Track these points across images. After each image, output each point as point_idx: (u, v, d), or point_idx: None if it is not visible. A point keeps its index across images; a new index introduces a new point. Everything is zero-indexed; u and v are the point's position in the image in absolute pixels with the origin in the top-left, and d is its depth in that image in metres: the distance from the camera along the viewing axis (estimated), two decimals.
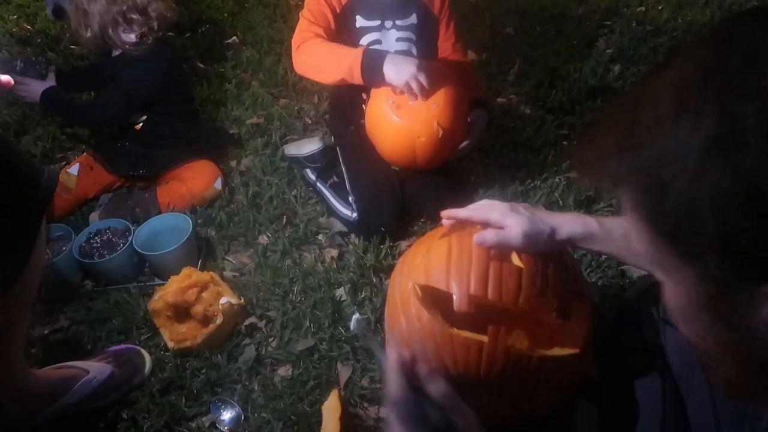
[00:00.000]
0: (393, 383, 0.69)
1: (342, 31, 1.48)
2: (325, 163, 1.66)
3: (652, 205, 0.43)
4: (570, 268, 0.95)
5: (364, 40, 1.46)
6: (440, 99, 1.35)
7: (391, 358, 0.71)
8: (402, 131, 1.39)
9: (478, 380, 0.87)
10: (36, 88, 1.63)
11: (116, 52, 1.68)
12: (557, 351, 0.88)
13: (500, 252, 0.89)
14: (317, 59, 1.42)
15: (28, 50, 1.72)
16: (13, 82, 0.56)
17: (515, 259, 0.89)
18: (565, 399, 0.95)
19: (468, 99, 1.44)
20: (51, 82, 1.66)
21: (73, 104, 1.74)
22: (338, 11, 1.46)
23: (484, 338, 0.85)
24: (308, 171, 1.68)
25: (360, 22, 1.44)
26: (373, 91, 1.42)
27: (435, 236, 0.99)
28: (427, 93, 1.33)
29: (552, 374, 0.90)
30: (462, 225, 0.97)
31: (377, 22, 1.45)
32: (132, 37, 1.62)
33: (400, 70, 1.31)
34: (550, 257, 0.92)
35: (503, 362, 0.85)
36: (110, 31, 1.60)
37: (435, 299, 0.89)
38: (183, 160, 1.71)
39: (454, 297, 0.87)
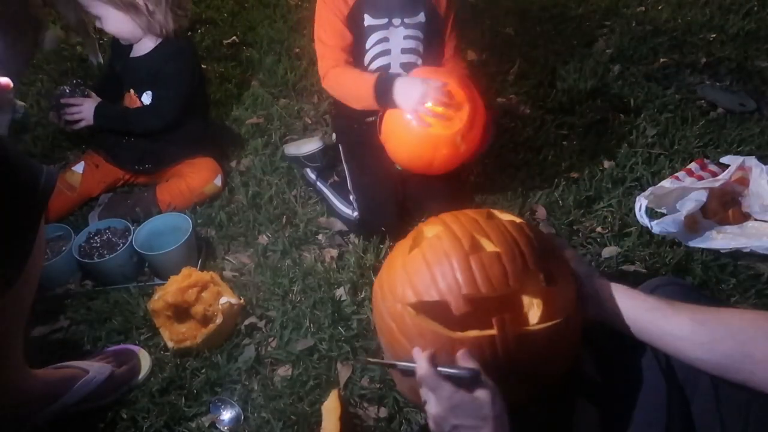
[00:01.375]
0: (448, 390, 0.77)
1: (352, 32, 1.47)
2: (325, 163, 1.66)
3: None
4: (536, 232, 0.96)
5: (372, 39, 1.46)
6: (464, 114, 1.33)
7: (427, 369, 0.78)
8: (423, 143, 1.36)
9: (497, 371, 0.86)
10: (88, 107, 1.62)
11: (141, 52, 1.64)
12: (556, 318, 0.88)
13: (472, 242, 0.89)
14: (343, 92, 1.49)
15: (72, 81, 1.67)
16: (12, 84, 0.56)
17: (488, 245, 0.90)
18: (572, 363, 0.96)
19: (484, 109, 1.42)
20: (95, 98, 1.65)
21: (128, 114, 1.67)
22: (347, 13, 1.45)
23: (493, 331, 0.85)
24: (308, 170, 1.68)
25: (368, 20, 1.44)
26: None
27: (402, 252, 0.97)
28: (446, 108, 1.32)
29: (557, 341, 0.90)
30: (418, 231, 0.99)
31: (384, 20, 1.45)
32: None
33: (408, 99, 1.32)
34: (516, 230, 0.93)
35: (516, 346, 0.86)
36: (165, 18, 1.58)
37: (429, 312, 0.88)
38: (187, 156, 1.71)
39: (450, 303, 0.86)
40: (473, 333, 0.85)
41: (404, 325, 0.89)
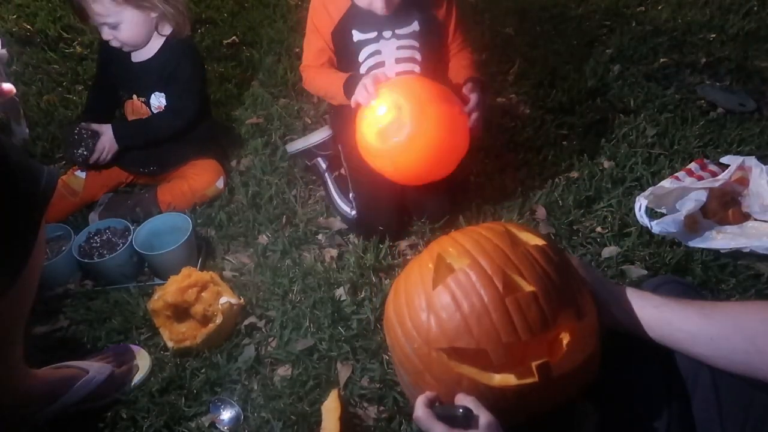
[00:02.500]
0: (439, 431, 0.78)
1: (341, 48, 1.48)
2: (335, 151, 1.67)
3: None
4: (558, 254, 0.92)
5: (364, 53, 1.46)
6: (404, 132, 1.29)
7: (422, 412, 0.81)
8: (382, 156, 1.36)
9: (530, 408, 0.86)
10: (108, 138, 1.59)
11: (145, 55, 1.62)
12: (588, 350, 0.86)
13: (505, 282, 0.84)
14: (319, 91, 1.58)
15: (70, 129, 1.60)
16: (14, 90, 0.55)
17: (522, 283, 0.84)
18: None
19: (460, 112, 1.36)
20: (104, 127, 1.61)
21: (148, 124, 1.64)
22: (332, 29, 1.45)
23: (534, 379, 0.81)
24: (320, 159, 1.68)
25: (357, 36, 1.44)
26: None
27: (423, 283, 0.89)
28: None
29: (587, 371, 0.89)
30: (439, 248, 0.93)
31: (374, 34, 1.44)
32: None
33: (355, 93, 1.36)
34: (543, 258, 0.88)
35: (560, 387, 0.84)
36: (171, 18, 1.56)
37: (462, 357, 0.84)
38: (191, 158, 1.70)
39: (489, 352, 0.82)
40: (513, 381, 0.82)
41: (433, 368, 0.85)
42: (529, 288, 0.84)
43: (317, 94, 1.58)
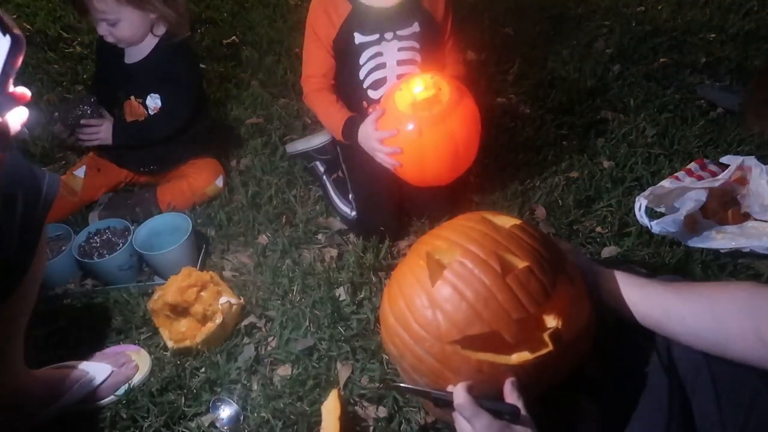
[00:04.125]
0: (486, 420, 0.78)
1: (342, 52, 1.47)
2: (334, 155, 1.67)
3: None
4: (535, 229, 0.96)
5: (365, 55, 1.45)
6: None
7: (465, 399, 0.79)
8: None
9: (543, 382, 0.87)
10: (107, 128, 1.60)
11: (138, 56, 1.60)
12: (586, 314, 0.89)
13: (500, 262, 0.86)
14: (317, 116, 1.58)
15: (78, 96, 1.61)
16: (29, 95, 0.54)
17: (517, 262, 0.87)
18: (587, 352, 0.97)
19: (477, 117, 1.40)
20: (110, 118, 1.63)
21: (144, 126, 1.63)
22: (335, 36, 1.44)
23: (548, 348, 0.84)
24: (318, 163, 1.68)
25: (358, 38, 1.43)
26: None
27: (420, 282, 0.90)
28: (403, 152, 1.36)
29: (588, 337, 0.91)
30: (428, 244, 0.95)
31: (376, 36, 1.43)
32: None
33: (367, 148, 1.42)
34: (526, 235, 0.92)
35: (570, 353, 0.87)
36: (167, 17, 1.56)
37: (476, 344, 0.84)
38: (191, 157, 1.71)
39: (503, 331, 0.83)
40: (530, 356, 0.84)
41: (451, 361, 0.85)
42: (523, 264, 0.86)
43: (318, 117, 1.58)
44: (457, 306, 0.84)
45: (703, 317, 0.81)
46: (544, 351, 0.83)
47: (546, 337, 0.84)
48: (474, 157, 1.42)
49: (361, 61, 1.46)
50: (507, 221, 0.96)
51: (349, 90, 1.51)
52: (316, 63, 1.50)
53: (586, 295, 0.92)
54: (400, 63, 1.46)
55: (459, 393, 0.81)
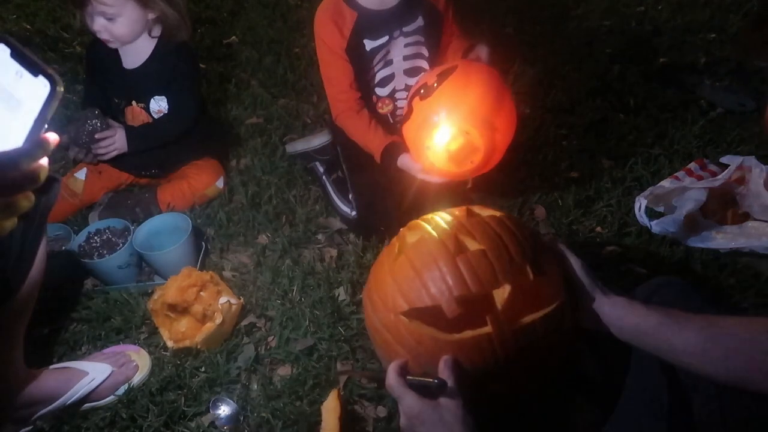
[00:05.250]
0: (409, 399, 0.79)
1: (356, 61, 1.45)
2: (334, 156, 1.67)
3: None
4: (517, 224, 0.97)
5: (377, 59, 1.45)
6: (478, 158, 1.30)
7: (393, 379, 0.81)
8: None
9: (497, 368, 0.87)
10: (121, 136, 1.57)
11: (139, 60, 1.59)
12: (548, 306, 0.89)
13: (456, 243, 0.90)
14: (352, 136, 1.52)
15: (83, 114, 1.55)
16: (59, 139, 0.51)
17: (472, 244, 0.90)
18: (570, 350, 0.97)
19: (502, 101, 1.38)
20: (119, 125, 1.60)
21: (155, 126, 1.63)
22: (345, 46, 1.43)
23: (488, 329, 0.85)
24: (317, 164, 1.68)
25: (369, 45, 1.43)
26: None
27: (388, 261, 0.97)
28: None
29: (552, 329, 0.90)
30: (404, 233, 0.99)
31: (385, 39, 1.43)
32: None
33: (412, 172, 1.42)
34: (498, 224, 0.94)
35: (513, 340, 0.86)
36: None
37: (423, 318, 0.88)
38: (192, 158, 1.70)
39: (443, 306, 0.86)
40: (469, 333, 0.86)
41: (400, 334, 0.89)
42: (477, 246, 0.90)
43: (350, 136, 1.53)
44: (410, 279, 0.90)
45: (739, 358, 0.76)
46: (482, 331, 0.85)
47: (487, 318, 0.85)
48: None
49: (373, 64, 1.47)
50: (488, 212, 0.99)
51: (358, 89, 1.51)
52: (338, 76, 1.47)
53: (556, 286, 0.91)
54: (406, 58, 1.47)
55: (390, 373, 0.83)
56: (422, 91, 1.31)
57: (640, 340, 0.85)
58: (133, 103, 1.63)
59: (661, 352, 0.83)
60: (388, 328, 0.91)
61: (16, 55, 0.52)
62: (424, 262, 0.90)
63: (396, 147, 1.43)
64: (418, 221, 1.01)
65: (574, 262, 0.94)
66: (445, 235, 0.92)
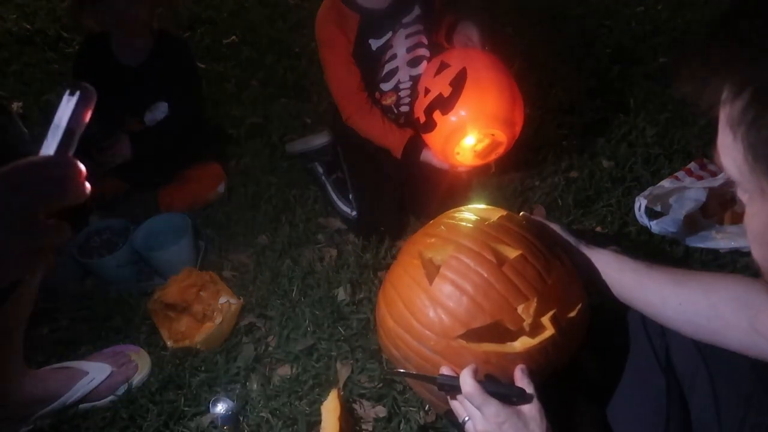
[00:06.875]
0: (494, 407, 0.78)
1: (363, 62, 1.45)
2: (333, 156, 1.67)
3: (759, 123, 0.42)
4: (526, 221, 0.98)
5: (383, 57, 1.46)
6: (501, 149, 1.43)
7: (472, 387, 0.79)
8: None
9: (549, 369, 0.88)
10: (126, 143, 1.56)
11: (137, 59, 1.58)
12: (582, 299, 0.90)
13: (494, 253, 0.87)
14: (368, 135, 1.53)
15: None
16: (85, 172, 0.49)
17: (509, 251, 0.88)
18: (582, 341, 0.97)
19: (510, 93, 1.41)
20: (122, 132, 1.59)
21: (158, 132, 1.61)
22: (351, 49, 1.43)
23: (550, 332, 0.84)
24: (317, 164, 1.68)
25: (374, 44, 1.43)
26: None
27: (420, 286, 0.89)
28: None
29: (585, 322, 0.92)
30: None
31: (388, 35, 1.43)
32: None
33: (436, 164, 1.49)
34: (513, 223, 0.93)
35: (570, 336, 0.87)
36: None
37: (481, 336, 0.85)
38: (193, 163, 1.69)
39: (505, 321, 0.84)
40: (533, 341, 0.84)
41: (459, 356, 0.85)
42: (516, 252, 0.88)
43: (367, 137, 1.53)
44: (458, 301, 0.85)
45: (699, 305, 0.81)
46: (547, 335, 0.84)
47: (546, 321, 0.84)
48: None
49: (381, 62, 1.47)
50: (492, 213, 0.97)
51: (365, 88, 1.51)
52: (347, 79, 1.47)
53: (576, 277, 0.93)
54: (408, 50, 1.47)
55: (466, 381, 0.80)
56: (440, 103, 1.37)
57: (620, 285, 0.92)
58: (127, 117, 1.61)
59: (637, 296, 0.90)
60: (441, 353, 0.86)
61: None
62: (470, 281, 0.85)
63: (416, 142, 1.47)
64: (429, 232, 0.96)
65: (555, 227, 1.00)
66: (478, 246, 0.88)
